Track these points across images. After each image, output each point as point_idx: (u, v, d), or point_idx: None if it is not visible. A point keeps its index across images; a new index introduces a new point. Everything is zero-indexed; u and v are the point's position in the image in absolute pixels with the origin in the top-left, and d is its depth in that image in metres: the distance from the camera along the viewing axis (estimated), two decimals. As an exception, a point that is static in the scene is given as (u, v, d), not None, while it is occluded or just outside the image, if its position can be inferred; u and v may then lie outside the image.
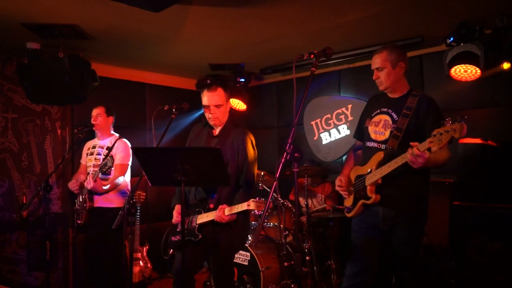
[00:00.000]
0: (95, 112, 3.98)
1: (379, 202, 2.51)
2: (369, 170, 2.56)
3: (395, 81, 2.60)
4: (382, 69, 2.59)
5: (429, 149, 2.18)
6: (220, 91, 2.84)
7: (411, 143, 2.23)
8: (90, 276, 4.00)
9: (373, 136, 2.65)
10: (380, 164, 2.49)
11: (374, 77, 2.63)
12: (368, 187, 2.54)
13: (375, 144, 2.62)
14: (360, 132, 2.86)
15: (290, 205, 4.20)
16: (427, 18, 3.64)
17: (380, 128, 2.62)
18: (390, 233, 2.56)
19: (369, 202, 2.53)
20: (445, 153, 2.41)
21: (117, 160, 3.84)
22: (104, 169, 3.53)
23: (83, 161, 4.14)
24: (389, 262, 2.73)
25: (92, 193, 3.80)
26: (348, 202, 2.73)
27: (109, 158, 3.49)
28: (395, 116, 2.57)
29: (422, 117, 2.50)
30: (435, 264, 3.67)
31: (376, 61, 2.60)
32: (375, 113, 2.70)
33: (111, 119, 4.06)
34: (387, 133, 2.56)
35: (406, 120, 2.51)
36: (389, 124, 2.58)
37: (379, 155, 2.52)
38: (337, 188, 2.75)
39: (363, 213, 2.64)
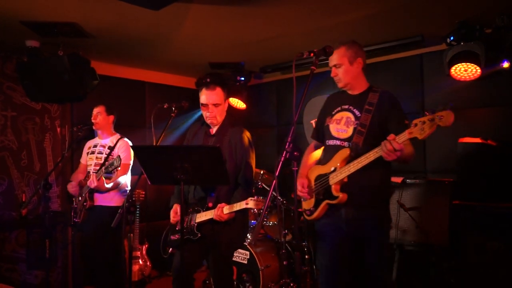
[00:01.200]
0: (95, 110, 3.98)
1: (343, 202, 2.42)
2: (332, 168, 2.45)
3: (353, 77, 2.54)
4: (340, 66, 2.52)
5: (412, 140, 2.12)
6: (218, 90, 2.84)
7: (388, 137, 2.14)
8: (89, 274, 4.00)
9: (335, 134, 2.56)
10: (347, 161, 2.39)
11: (332, 75, 2.57)
12: (333, 186, 2.42)
13: (338, 142, 2.52)
14: (319, 132, 2.75)
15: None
16: (427, 17, 3.63)
17: (342, 126, 2.53)
18: (355, 235, 2.46)
19: (335, 202, 2.41)
20: (411, 147, 2.33)
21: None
22: (111, 169, 3.52)
23: (83, 160, 4.13)
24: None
25: (92, 191, 3.79)
26: (309, 204, 2.59)
27: (116, 158, 3.47)
28: (357, 112, 2.50)
29: (385, 112, 2.43)
30: (435, 264, 3.67)
31: (333, 58, 2.53)
32: (335, 110, 2.61)
33: (112, 118, 4.06)
34: (350, 130, 2.48)
35: (369, 116, 2.44)
36: (351, 121, 2.50)
37: (345, 152, 2.42)
38: (299, 193, 2.56)
39: (326, 214, 2.51)
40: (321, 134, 2.72)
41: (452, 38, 3.68)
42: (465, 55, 3.63)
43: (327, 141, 2.62)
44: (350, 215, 2.44)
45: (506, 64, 3.50)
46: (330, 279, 2.55)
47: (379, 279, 2.45)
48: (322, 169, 2.54)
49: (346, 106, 2.57)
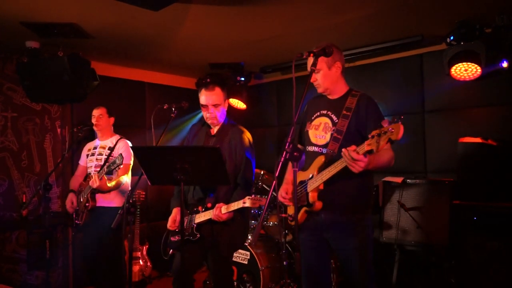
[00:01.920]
0: (97, 113, 3.96)
1: (321, 209, 2.39)
2: (310, 175, 2.43)
3: (332, 82, 2.49)
4: (319, 71, 2.46)
5: (370, 151, 2.07)
6: (218, 91, 2.84)
7: (348, 148, 2.11)
8: (90, 275, 4.00)
9: (313, 140, 2.53)
10: (321, 168, 2.37)
11: (311, 80, 2.44)
12: (310, 194, 2.39)
13: (316, 148, 2.49)
14: (301, 137, 2.71)
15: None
16: (427, 17, 3.63)
17: (321, 132, 2.50)
18: (334, 241, 2.44)
19: (310, 209, 2.40)
20: (387, 154, 2.29)
21: None
22: (113, 167, 3.51)
23: (82, 162, 4.12)
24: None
25: (94, 192, 3.79)
26: (291, 210, 2.53)
27: (118, 156, 3.46)
28: (334, 118, 2.46)
29: (362, 117, 2.39)
30: (435, 264, 3.67)
31: (309, 62, 2.43)
32: (314, 116, 2.57)
33: (112, 119, 4.06)
34: (328, 136, 2.44)
35: (346, 122, 2.39)
36: (329, 126, 2.46)
37: (320, 160, 2.40)
38: (280, 199, 2.54)
39: (307, 220, 2.48)
40: (303, 139, 2.69)
41: (452, 37, 3.68)
42: (465, 54, 3.63)
43: (307, 147, 2.58)
44: (328, 220, 2.42)
45: (505, 64, 3.49)
46: (310, 284, 2.52)
47: (359, 284, 2.41)
48: (303, 175, 2.51)
49: (325, 111, 2.53)
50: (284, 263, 2.95)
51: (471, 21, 3.58)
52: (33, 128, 4.43)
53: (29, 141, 4.41)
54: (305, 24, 3.75)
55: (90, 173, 3.90)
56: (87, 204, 3.76)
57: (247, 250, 4.00)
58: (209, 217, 2.71)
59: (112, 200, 3.83)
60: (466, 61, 3.64)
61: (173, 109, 2.98)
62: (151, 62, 5.08)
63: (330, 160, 2.35)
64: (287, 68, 5.26)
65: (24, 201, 4.23)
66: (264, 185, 4.50)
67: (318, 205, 2.38)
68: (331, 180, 2.31)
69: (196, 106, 2.97)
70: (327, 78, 2.48)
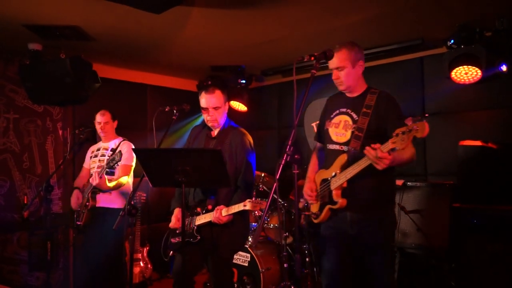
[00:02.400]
0: (102, 119, 3.96)
1: (345, 206, 2.43)
2: (333, 173, 2.47)
3: (354, 80, 2.52)
4: (342, 69, 2.48)
5: (393, 149, 2.12)
6: (218, 93, 2.85)
7: (372, 145, 2.15)
8: (91, 276, 4.00)
9: (334, 138, 2.56)
10: (344, 167, 2.41)
11: (333, 78, 2.52)
12: (334, 192, 2.44)
13: (337, 146, 2.53)
14: (321, 135, 2.76)
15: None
16: (428, 20, 3.64)
17: (341, 129, 2.53)
18: (360, 238, 2.47)
19: (335, 207, 2.44)
20: (410, 150, 2.33)
21: (122, 161, 3.85)
22: (112, 164, 3.53)
23: (86, 165, 4.13)
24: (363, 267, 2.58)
25: (95, 192, 3.80)
26: (315, 207, 2.62)
27: (117, 153, 3.48)
28: (354, 116, 2.49)
29: (382, 115, 2.42)
30: (435, 266, 3.67)
31: (335, 61, 2.47)
32: (334, 114, 2.61)
33: (116, 123, 4.09)
34: (348, 134, 2.48)
35: (366, 119, 2.43)
36: (349, 124, 2.50)
37: (343, 158, 2.44)
38: (306, 196, 2.62)
39: (331, 218, 2.53)
40: (323, 138, 2.73)
41: (452, 41, 3.69)
42: (465, 58, 3.64)
43: (327, 145, 2.62)
44: (354, 217, 2.45)
45: (504, 68, 3.51)
46: (333, 282, 2.55)
47: (382, 281, 2.46)
48: (325, 174, 2.57)
49: (344, 109, 2.56)
50: (285, 265, 2.96)
51: (471, 25, 3.59)
52: (34, 129, 4.45)
53: (30, 142, 4.42)
54: (306, 27, 3.77)
55: (92, 175, 3.92)
56: (87, 204, 3.77)
57: (248, 252, 4.01)
58: (209, 219, 2.72)
59: (114, 202, 3.84)
60: (467, 64, 3.65)
61: (175, 111, 2.99)
62: (152, 64, 5.09)
63: (353, 158, 2.38)
64: (288, 71, 5.28)
65: (25, 202, 4.25)
66: (264, 187, 4.51)
67: (343, 202, 2.42)
68: (355, 177, 2.35)
69: (198, 108, 2.99)
70: (350, 76, 2.51)
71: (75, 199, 3.89)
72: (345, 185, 2.41)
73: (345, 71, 2.49)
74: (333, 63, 2.49)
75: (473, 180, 3.49)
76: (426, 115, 2.04)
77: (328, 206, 2.49)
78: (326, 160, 2.63)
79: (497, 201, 3.34)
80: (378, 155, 2.12)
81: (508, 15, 3.37)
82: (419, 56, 4.43)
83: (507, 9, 3.32)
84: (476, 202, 3.42)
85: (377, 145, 2.14)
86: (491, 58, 3.56)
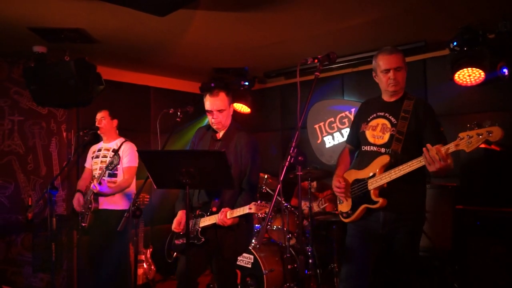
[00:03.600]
0: (99, 115, 4.01)
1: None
2: (371, 174, 2.50)
3: (405, 83, 2.60)
4: (401, 69, 2.54)
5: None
6: (222, 96, 2.86)
7: (434, 146, 2.19)
8: (94, 278, 4.02)
9: (371, 140, 2.60)
10: (386, 167, 2.45)
11: (391, 76, 2.52)
12: (372, 191, 2.48)
13: (375, 148, 2.57)
14: (354, 137, 2.82)
15: (293, 208, 4.22)
16: (430, 22, 3.65)
17: (378, 132, 2.58)
18: (389, 237, 2.52)
19: (375, 206, 2.47)
20: (452, 159, 2.36)
21: (125, 163, 3.86)
22: (111, 167, 3.55)
23: (87, 164, 4.16)
24: (386, 267, 2.67)
25: (97, 194, 3.82)
26: (345, 207, 2.65)
27: (115, 157, 3.50)
28: (393, 119, 2.54)
29: (421, 120, 2.49)
30: (438, 268, 3.67)
31: (397, 60, 2.52)
32: (371, 117, 2.66)
33: (115, 122, 4.09)
34: (386, 137, 2.53)
35: (405, 123, 2.48)
36: (387, 127, 2.54)
37: (384, 159, 2.47)
38: (335, 189, 2.67)
39: (363, 218, 2.57)
40: (356, 140, 2.78)
41: (455, 43, 3.69)
42: (468, 60, 3.64)
43: (363, 146, 2.66)
44: (388, 218, 2.49)
45: (506, 71, 3.52)
46: (354, 279, 2.58)
47: (406, 269, 2.54)
48: (359, 174, 2.59)
49: (382, 113, 2.61)
50: (288, 267, 2.97)
51: (474, 27, 3.60)
52: (39, 131, 4.47)
53: (35, 144, 4.45)
54: (309, 29, 3.78)
55: (94, 176, 3.94)
56: (90, 206, 3.79)
57: (251, 253, 4.01)
58: (214, 222, 2.72)
59: (117, 203, 3.86)
60: (470, 66, 3.66)
61: (179, 113, 3.01)
62: (156, 66, 5.12)
63: (395, 160, 2.42)
64: (291, 73, 5.29)
65: (29, 204, 4.27)
66: (268, 189, 4.52)
67: (383, 202, 2.44)
68: (392, 180, 2.39)
69: (201, 110, 3.00)
70: (404, 78, 2.59)
71: (76, 202, 3.91)
72: (385, 185, 2.45)
73: (402, 71, 2.55)
74: (394, 63, 2.52)
75: (476, 182, 3.49)
76: (495, 123, 2.06)
77: (364, 206, 2.52)
78: (360, 161, 2.66)
79: (500, 203, 3.34)
80: (440, 156, 2.16)
81: (511, 17, 3.37)
82: (422, 58, 4.43)
83: (510, 11, 3.32)
84: (479, 204, 3.42)
85: (437, 146, 2.19)
86: (494, 60, 3.56)
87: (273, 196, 2.11)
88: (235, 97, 5.28)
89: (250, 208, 2.59)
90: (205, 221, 2.78)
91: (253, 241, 3.98)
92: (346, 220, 2.67)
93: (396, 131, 2.49)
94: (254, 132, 3.13)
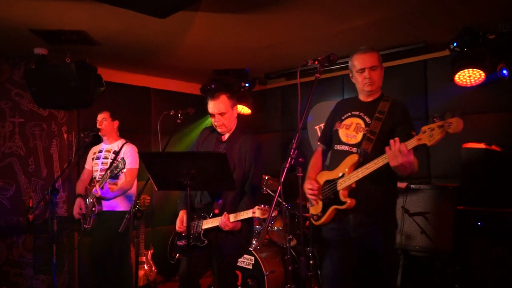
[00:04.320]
0: (100, 117, 4.02)
1: (351, 208, 2.42)
2: (340, 174, 2.45)
3: (381, 82, 2.56)
4: (376, 68, 2.50)
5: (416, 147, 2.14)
6: (223, 99, 2.85)
7: (391, 141, 2.15)
8: (95, 279, 4.02)
9: (344, 139, 2.56)
10: (355, 167, 2.40)
11: (367, 76, 2.49)
12: (341, 192, 2.42)
13: (346, 147, 2.53)
14: (327, 136, 2.76)
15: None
16: (431, 23, 3.66)
17: (352, 131, 2.54)
18: (362, 240, 2.46)
19: (343, 207, 2.42)
20: (416, 160, 2.30)
21: (127, 165, 3.85)
22: (116, 171, 3.55)
23: (88, 166, 4.16)
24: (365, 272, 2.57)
25: (100, 198, 3.82)
26: (316, 209, 2.58)
27: (120, 160, 3.50)
28: (367, 119, 2.51)
29: (395, 121, 2.46)
30: (440, 269, 3.67)
31: (372, 60, 2.49)
32: (345, 116, 2.62)
33: (117, 123, 4.09)
34: (359, 136, 2.49)
35: (379, 124, 2.45)
36: (361, 127, 2.51)
37: (353, 158, 2.43)
38: (308, 192, 2.57)
39: (333, 220, 2.51)
40: (329, 139, 2.73)
41: (455, 44, 3.70)
42: (469, 61, 3.65)
43: (335, 145, 2.62)
44: (357, 220, 2.44)
45: (505, 72, 3.52)
46: (335, 284, 2.55)
47: (386, 285, 2.46)
48: (330, 175, 2.55)
49: (357, 112, 2.58)
50: (289, 268, 2.97)
51: (474, 28, 3.60)
52: (40, 133, 4.48)
53: (36, 146, 4.45)
54: (309, 31, 3.79)
55: (95, 177, 3.94)
56: (93, 209, 3.79)
57: (252, 255, 4.02)
58: (216, 224, 2.72)
59: (118, 205, 3.86)
60: (470, 67, 3.66)
61: (179, 115, 3.01)
62: (156, 68, 5.13)
63: (364, 159, 2.38)
64: (291, 74, 5.30)
65: (31, 205, 4.28)
66: (268, 190, 4.52)
67: (352, 202, 2.40)
68: (362, 180, 2.35)
69: (202, 112, 3.00)
70: (381, 77, 2.56)
71: (77, 209, 3.91)
72: (354, 185, 2.41)
73: (378, 70, 2.53)
74: (368, 62, 2.50)
75: (477, 183, 3.49)
76: (460, 112, 2.00)
77: (334, 207, 2.47)
78: (331, 161, 2.62)
79: (501, 204, 3.34)
80: (402, 149, 2.12)
81: (511, 17, 3.37)
82: (422, 59, 4.44)
83: (510, 12, 3.33)
84: (480, 205, 3.41)
85: (402, 144, 2.15)
86: (495, 60, 3.57)
87: (274, 198, 2.12)
88: (236, 99, 5.29)
89: (254, 212, 2.59)
90: (208, 223, 2.78)
91: (254, 242, 3.98)
92: (316, 223, 2.60)
93: (369, 131, 2.46)
94: (255, 133, 3.14)
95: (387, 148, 2.19)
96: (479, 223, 3.37)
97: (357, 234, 2.46)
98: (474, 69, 3.67)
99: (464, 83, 3.81)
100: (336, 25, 3.66)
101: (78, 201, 3.94)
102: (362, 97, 2.64)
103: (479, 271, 3.31)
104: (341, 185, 2.43)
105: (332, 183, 2.50)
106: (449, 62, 3.81)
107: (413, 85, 4.47)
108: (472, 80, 3.76)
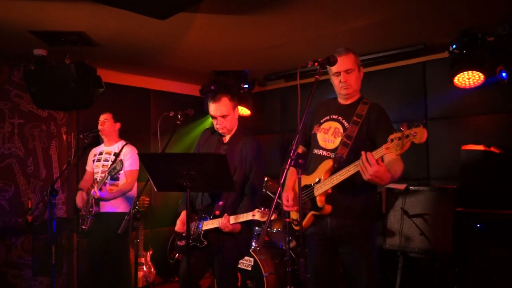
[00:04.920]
0: (102, 117, 4.01)
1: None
2: (317, 179, 2.42)
3: (358, 85, 2.51)
4: (352, 71, 2.45)
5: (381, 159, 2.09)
6: (225, 101, 2.85)
7: (362, 153, 2.10)
8: (94, 281, 4.02)
9: (322, 144, 2.52)
10: (330, 172, 2.36)
11: (342, 80, 2.45)
12: (318, 197, 2.38)
13: (324, 152, 2.49)
14: (308, 138, 2.69)
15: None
16: (430, 25, 3.66)
17: (330, 136, 2.50)
18: (340, 243, 2.45)
19: (320, 213, 2.39)
20: (400, 164, 2.28)
21: (127, 167, 3.85)
22: (113, 173, 3.55)
23: (88, 167, 4.16)
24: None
25: (98, 199, 3.82)
26: (296, 214, 2.56)
27: (118, 162, 3.50)
28: (345, 123, 2.47)
29: (373, 125, 2.41)
30: (439, 270, 3.67)
31: (347, 63, 2.42)
32: (324, 119, 2.57)
33: (118, 125, 4.10)
34: (337, 141, 2.45)
35: (356, 128, 2.41)
36: (339, 132, 2.47)
37: (328, 163, 2.39)
38: (285, 207, 2.52)
39: (313, 225, 2.48)
40: (308, 140, 2.68)
41: (454, 46, 3.71)
42: (468, 63, 3.65)
43: (314, 149, 2.57)
44: (334, 223, 2.42)
45: (504, 75, 3.53)
46: (316, 284, 2.52)
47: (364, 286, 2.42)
48: (307, 180, 2.49)
49: (335, 116, 2.54)
50: (288, 269, 2.96)
51: (473, 30, 3.61)
52: (39, 134, 4.48)
53: (35, 147, 4.45)
54: (309, 32, 3.79)
55: (96, 179, 3.94)
56: (91, 210, 3.79)
57: (251, 256, 4.01)
58: (216, 226, 2.72)
59: (117, 206, 3.86)
60: (469, 69, 3.67)
61: (179, 116, 3.01)
62: (156, 69, 5.13)
63: (339, 164, 2.34)
64: (291, 76, 5.30)
65: (29, 207, 4.27)
66: (268, 192, 4.52)
67: (328, 208, 2.38)
68: (339, 184, 2.31)
69: (201, 113, 3.00)
70: (358, 80, 2.51)
71: (80, 198, 3.92)
72: (330, 191, 2.37)
73: (353, 74, 2.47)
74: (343, 65, 2.44)
75: (476, 184, 3.50)
76: (424, 120, 1.97)
77: (311, 212, 2.44)
78: (310, 165, 2.56)
79: (500, 206, 3.34)
80: (369, 159, 2.06)
81: (510, 20, 3.38)
82: (422, 61, 4.44)
83: (509, 14, 3.34)
84: (479, 206, 3.42)
85: (368, 153, 2.09)
86: (494, 62, 3.57)
87: (273, 199, 2.12)
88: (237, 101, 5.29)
89: (253, 215, 2.59)
90: (208, 225, 2.78)
91: (253, 243, 3.98)
92: (297, 228, 2.57)
93: (345, 136, 2.42)
94: (254, 134, 3.16)
95: (361, 156, 2.13)
96: (478, 225, 3.37)
97: (335, 239, 2.44)
98: (474, 71, 3.68)
99: (464, 85, 3.82)
100: (335, 27, 3.67)
101: (80, 192, 3.96)
102: (341, 100, 2.60)
103: (479, 272, 3.31)
104: (318, 191, 2.40)
105: (309, 188, 2.46)
106: (448, 64, 3.82)
107: (412, 87, 4.47)
108: (471, 82, 3.77)
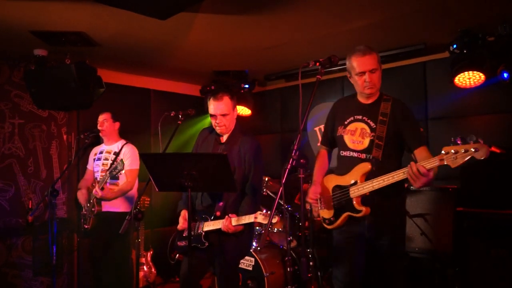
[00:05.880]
0: (101, 117, 4.01)
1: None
2: (353, 181, 2.45)
3: (380, 84, 2.55)
4: (376, 71, 2.47)
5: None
6: (226, 100, 2.84)
7: (417, 164, 2.16)
8: (95, 281, 4.02)
9: (350, 145, 2.55)
10: (368, 175, 2.40)
11: (367, 79, 2.45)
12: (355, 199, 2.43)
13: (355, 154, 2.52)
14: (330, 138, 2.76)
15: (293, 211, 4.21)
16: (430, 25, 3.67)
17: (358, 137, 2.52)
18: (375, 242, 2.50)
19: (359, 215, 2.43)
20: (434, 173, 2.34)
21: (127, 166, 3.84)
22: (115, 172, 3.54)
23: (89, 166, 4.16)
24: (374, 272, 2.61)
25: (100, 198, 3.82)
26: (328, 213, 2.60)
27: (119, 161, 3.50)
28: (372, 124, 2.49)
29: (399, 122, 2.45)
30: (439, 270, 3.67)
31: (371, 62, 2.45)
32: (349, 120, 2.60)
33: (118, 124, 4.09)
34: (366, 142, 2.48)
35: (384, 128, 2.44)
36: (367, 132, 2.49)
37: (366, 167, 2.42)
38: (310, 200, 2.60)
39: (347, 224, 2.53)
40: (332, 141, 2.74)
41: (455, 46, 3.71)
42: (469, 63, 3.65)
43: (342, 152, 2.61)
44: (371, 222, 2.47)
45: (506, 75, 3.53)
46: (349, 277, 2.55)
47: (391, 276, 2.49)
48: (340, 180, 2.54)
49: (359, 117, 2.56)
50: (289, 269, 2.96)
51: (474, 30, 3.62)
52: (39, 134, 4.48)
53: (35, 147, 4.45)
54: (309, 32, 3.79)
55: (96, 178, 3.94)
56: (93, 209, 3.79)
57: (252, 256, 4.01)
58: (218, 227, 2.71)
59: (118, 206, 3.85)
60: (470, 69, 3.67)
61: (180, 116, 3.01)
62: (156, 69, 5.13)
63: (377, 168, 2.38)
64: (291, 76, 5.30)
65: (30, 207, 4.27)
66: (268, 192, 4.52)
67: (367, 211, 2.41)
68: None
69: (201, 113, 3.00)
70: (380, 78, 2.53)
71: (81, 196, 3.92)
72: (367, 194, 2.40)
73: (377, 73, 2.49)
74: (368, 65, 2.45)
75: (477, 184, 3.50)
76: (481, 141, 2.02)
77: (347, 213, 2.48)
78: (339, 166, 2.61)
79: (501, 205, 3.35)
80: (421, 171, 2.13)
81: (510, 20, 3.39)
82: (422, 61, 4.45)
83: (509, 14, 3.34)
84: (480, 206, 3.42)
85: (419, 164, 2.16)
86: (494, 63, 3.57)
87: (275, 199, 2.12)
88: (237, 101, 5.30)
89: (256, 217, 2.59)
90: (209, 226, 2.78)
91: (254, 243, 3.98)
92: (329, 227, 2.62)
93: (376, 137, 2.44)
94: (254, 134, 3.16)
95: (408, 168, 2.19)
96: (478, 225, 3.38)
97: (371, 234, 2.49)
98: (474, 71, 3.68)
99: (464, 85, 3.82)
100: (336, 27, 3.67)
101: (80, 190, 3.96)
102: (361, 99, 2.61)
103: (479, 272, 3.31)
104: (355, 193, 2.44)
105: (344, 189, 2.50)
106: (449, 64, 3.82)
107: (413, 87, 4.48)
108: (472, 82, 3.77)
